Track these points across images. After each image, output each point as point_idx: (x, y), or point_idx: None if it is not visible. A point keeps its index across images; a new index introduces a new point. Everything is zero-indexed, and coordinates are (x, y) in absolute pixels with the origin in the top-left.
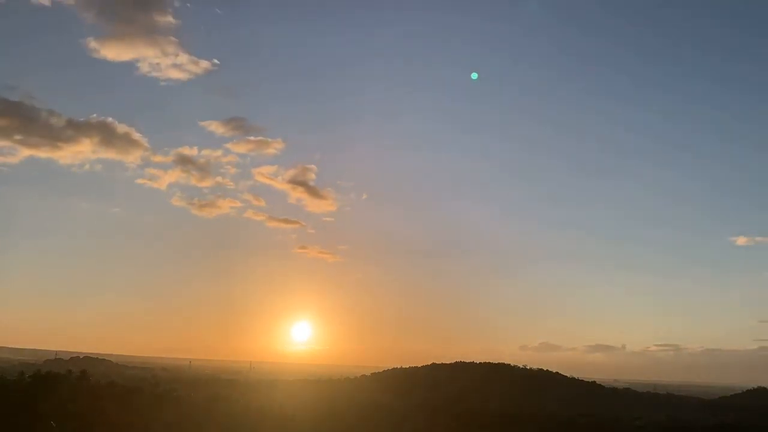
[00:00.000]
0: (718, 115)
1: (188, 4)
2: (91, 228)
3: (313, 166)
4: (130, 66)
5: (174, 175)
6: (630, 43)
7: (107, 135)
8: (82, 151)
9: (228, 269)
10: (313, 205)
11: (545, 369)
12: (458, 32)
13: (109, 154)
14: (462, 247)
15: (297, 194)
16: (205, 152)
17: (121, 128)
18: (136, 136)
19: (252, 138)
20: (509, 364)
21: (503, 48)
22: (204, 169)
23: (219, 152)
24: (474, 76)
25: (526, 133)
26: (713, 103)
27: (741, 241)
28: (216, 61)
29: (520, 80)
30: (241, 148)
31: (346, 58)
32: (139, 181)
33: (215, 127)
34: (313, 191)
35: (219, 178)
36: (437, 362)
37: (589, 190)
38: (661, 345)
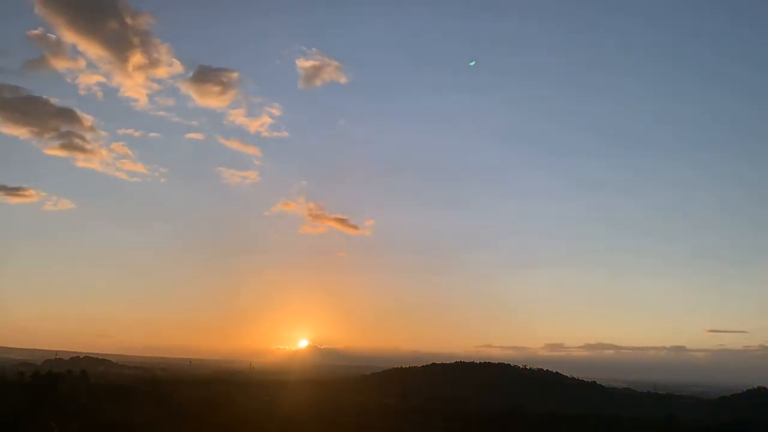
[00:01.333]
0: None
1: None
2: (92, 228)
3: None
4: None
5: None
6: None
7: None
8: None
9: (228, 272)
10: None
11: (545, 369)
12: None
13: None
14: (458, 247)
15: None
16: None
17: None
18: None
19: None
20: (509, 364)
21: (503, 44)
22: None
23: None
24: (472, 63)
25: (528, 133)
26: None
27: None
28: None
29: (521, 79)
30: None
31: None
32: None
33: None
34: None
35: None
36: (437, 362)
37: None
38: (659, 345)
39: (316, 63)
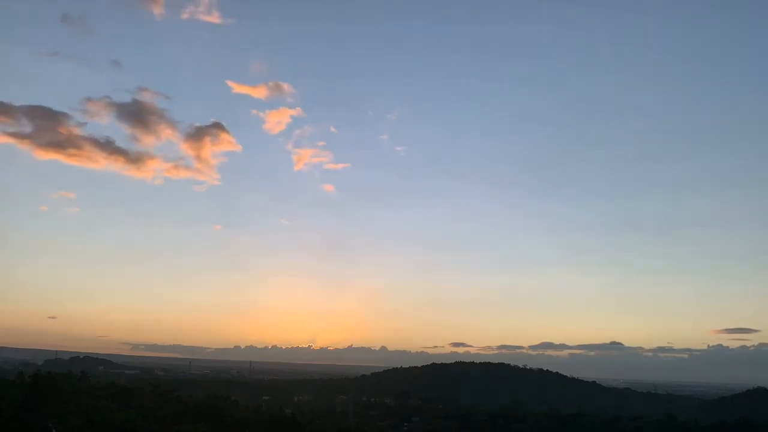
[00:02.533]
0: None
1: None
2: (92, 228)
3: None
4: None
5: None
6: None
7: None
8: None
9: (228, 274)
10: None
11: (545, 369)
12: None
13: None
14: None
15: None
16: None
17: None
18: None
19: None
20: (509, 364)
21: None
22: None
23: None
24: None
25: (529, 133)
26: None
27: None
28: None
29: (523, 82)
30: None
31: None
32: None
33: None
34: None
35: None
36: (437, 362)
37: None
38: (659, 345)
39: None
